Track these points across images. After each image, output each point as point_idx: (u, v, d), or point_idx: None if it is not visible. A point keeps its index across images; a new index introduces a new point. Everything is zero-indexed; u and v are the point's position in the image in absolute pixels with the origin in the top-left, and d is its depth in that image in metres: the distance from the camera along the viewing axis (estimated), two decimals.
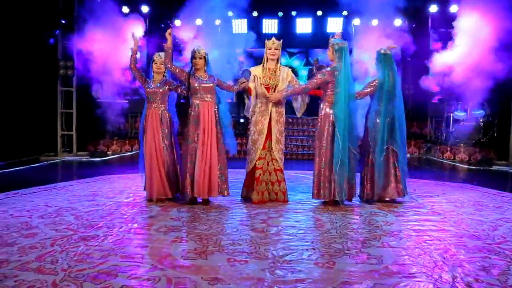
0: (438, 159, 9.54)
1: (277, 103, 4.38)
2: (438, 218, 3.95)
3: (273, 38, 4.42)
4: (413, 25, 11.12)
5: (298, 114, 4.67)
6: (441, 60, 9.64)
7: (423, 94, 11.05)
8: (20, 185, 5.17)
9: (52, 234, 3.20)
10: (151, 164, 4.38)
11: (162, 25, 11.26)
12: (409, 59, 10.99)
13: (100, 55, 8.95)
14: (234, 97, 11.59)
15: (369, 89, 4.49)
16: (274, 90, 4.39)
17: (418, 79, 10.67)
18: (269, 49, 4.39)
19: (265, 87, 4.40)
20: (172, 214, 3.99)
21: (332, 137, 4.22)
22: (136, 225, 3.54)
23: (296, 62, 13.65)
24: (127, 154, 10.09)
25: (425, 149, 10.17)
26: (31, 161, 7.91)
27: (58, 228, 3.37)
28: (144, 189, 4.53)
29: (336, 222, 3.71)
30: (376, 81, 4.47)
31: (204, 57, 4.35)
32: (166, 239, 3.17)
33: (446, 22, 11.02)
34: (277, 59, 4.41)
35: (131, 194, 4.82)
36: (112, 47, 9.08)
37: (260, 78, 4.41)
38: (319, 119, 4.36)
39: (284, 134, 4.50)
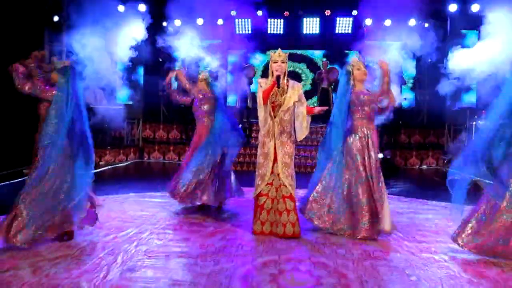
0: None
1: (281, 122, 3.86)
2: (494, 271, 3.12)
3: (279, 50, 3.91)
4: (430, 26, 10.32)
5: (300, 137, 4.00)
6: (460, 60, 8.82)
7: (441, 100, 10.24)
8: None
9: None
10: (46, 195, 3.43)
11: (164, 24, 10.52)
12: (429, 60, 10.15)
13: (93, 57, 8.17)
14: (237, 102, 10.84)
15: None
16: (279, 109, 3.86)
17: (435, 83, 9.88)
18: (274, 62, 3.88)
19: (271, 105, 3.88)
20: (159, 264, 3.18)
21: None
22: None
23: (302, 65, 12.81)
24: (121, 164, 9.32)
25: (445, 161, 9.32)
26: (13, 175, 7.14)
27: None
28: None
29: (367, 281, 2.89)
30: None
31: None
32: None
33: (468, 22, 10.22)
34: (284, 73, 3.89)
35: (113, 229, 4.01)
36: (107, 47, 8.30)
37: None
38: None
39: (293, 157, 3.93)
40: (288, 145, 3.87)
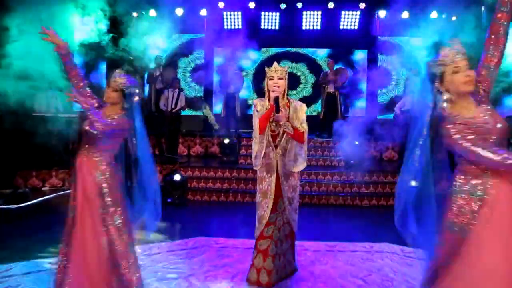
0: None
1: (284, 152, 3.49)
2: None
3: (275, 64, 3.47)
4: (459, 17, 8.69)
5: (295, 169, 3.50)
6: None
7: None
8: None
9: None
10: None
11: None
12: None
13: (30, 47, 6.21)
14: (223, 110, 8.91)
15: None
16: (282, 136, 3.45)
17: None
18: (270, 79, 3.42)
19: (271, 133, 3.46)
20: None
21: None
22: None
23: (301, 66, 10.93)
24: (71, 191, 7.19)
25: None
26: None
27: None
28: None
29: None
30: None
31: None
32: None
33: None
34: (284, 92, 3.43)
35: None
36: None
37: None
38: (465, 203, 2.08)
39: (298, 189, 3.62)
40: (292, 177, 3.54)
